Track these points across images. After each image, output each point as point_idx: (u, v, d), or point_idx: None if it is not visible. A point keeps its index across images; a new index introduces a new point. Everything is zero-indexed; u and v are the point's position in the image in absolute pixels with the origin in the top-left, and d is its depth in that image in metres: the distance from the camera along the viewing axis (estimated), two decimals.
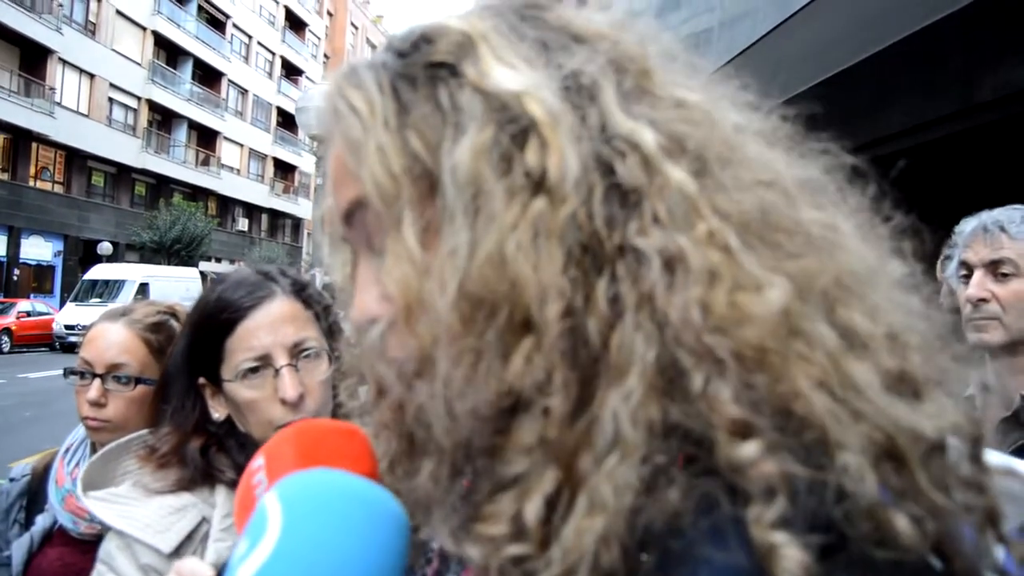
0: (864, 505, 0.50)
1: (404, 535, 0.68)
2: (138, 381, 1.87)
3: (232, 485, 1.37)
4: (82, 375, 1.87)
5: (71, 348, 25.60)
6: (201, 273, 34.58)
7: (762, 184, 0.62)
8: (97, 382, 1.84)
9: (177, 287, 28.98)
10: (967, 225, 2.04)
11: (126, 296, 27.15)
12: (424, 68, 0.64)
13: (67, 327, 25.96)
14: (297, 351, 1.40)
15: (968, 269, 2.01)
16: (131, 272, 29.42)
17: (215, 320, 1.40)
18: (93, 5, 35.28)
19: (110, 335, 1.89)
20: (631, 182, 0.59)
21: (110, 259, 32.68)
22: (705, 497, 0.51)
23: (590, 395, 0.57)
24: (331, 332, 1.48)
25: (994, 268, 1.96)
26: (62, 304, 29.43)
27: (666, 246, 0.57)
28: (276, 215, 53.78)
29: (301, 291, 1.47)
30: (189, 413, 1.44)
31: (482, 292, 0.57)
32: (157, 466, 1.39)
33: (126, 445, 1.55)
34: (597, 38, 0.66)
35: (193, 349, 1.45)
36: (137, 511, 1.33)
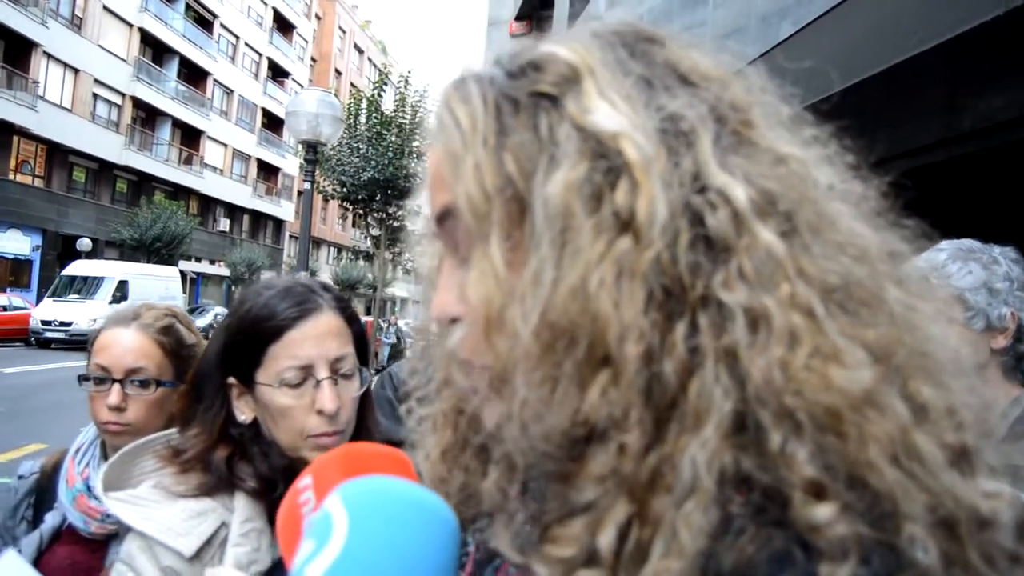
0: (926, 574, 0.53)
1: (457, 538, 0.72)
2: (157, 383, 1.92)
3: (252, 493, 1.40)
4: (100, 381, 1.90)
5: (47, 344, 25.32)
6: (181, 272, 34.32)
7: (848, 254, 0.61)
8: (116, 387, 1.88)
9: (156, 285, 28.79)
10: None
11: (104, 293, 26.94)
12: (528, 95, 0.65)
13: (44, 322, 25.69)
14: (337, 366, 1.43)
15: None
16: (110, 269, 29.11)
17: (261, 325, 1.42)
18: (80, 0, 35.02)
19: (125, 340, 1.93)
20: (720, 235, 0.59)
21: (89, 255, 32.36)
22: (780, 551, 0.53)
23: (663, 435, 0.58)
24: (361, 352, 1.53)
25: None
26: (39, 299, 29.07)
27: (751, 304, 0.58)
28: (258, 216, 53.36)
29: (344, 309, 1.50)
30: (217, 413, 1.47)
31: (563, 322, 0.59)
32: (180, 470, 1.42)
33: (143, 446, 1.58)
34: (704, 81, 0.67)
35: (231, 350, 1.47)
36: (159, 513, 1.36)
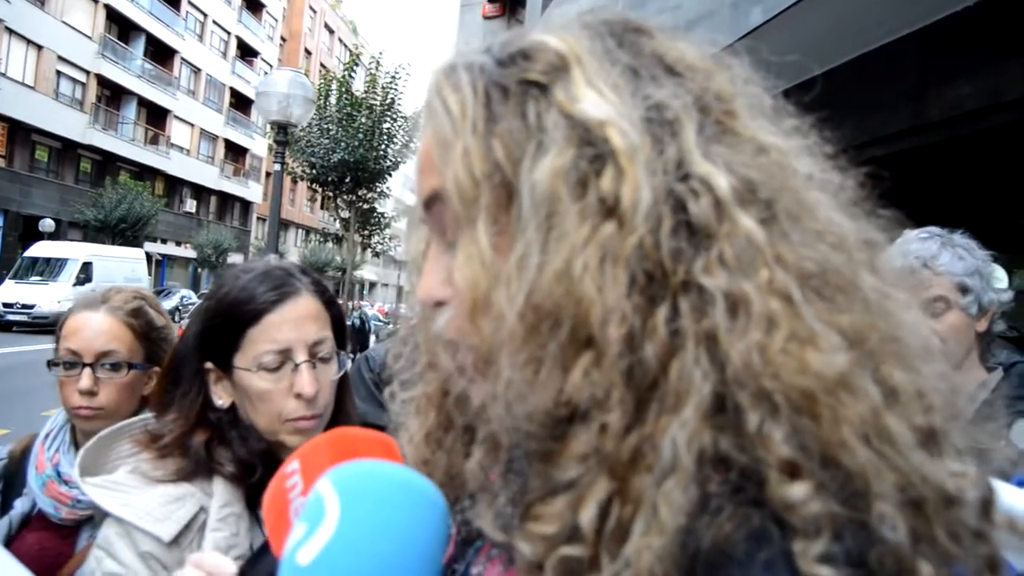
0: (894, 551, 0.55)
1: (446, 519, 0.73)
2: (129, 366, 1.91)
3: (230, 478, 1.40)
4: (70, 366, 1.88)
5: (9, 327, 24.85)
6: (146, 254, 33.88)
7: (826, 242, 0.64)
8: (88, 371, 1.86)
9: (122, 267, 28.42)
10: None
11: (68, 275, 26.52)
12: (518, 83, 0.67)
13: (5, 305, 25.27)
14: (315, 349, 1.44)
15: None
16: (74, 250, 28.60)
17: (239, 309, 1.42)
18: None
19: (95, 324, 1.91)
20: (701, 222, 0.61)
21: (52, 236, 31.72)
22: (757, 529, 0.55)
23: (644, 415, 0.59)
24: (339, 335, 1.53)
25: (927, 306, 2.01)
26: (0, 281, 28.59)
27: (731, 289, 0.59)
28: (225, 197, 52.75)
29: (323, 292, 1.50)
30: (194, 398, 1.46)
31: (548, 305, 0.60)
32: (158, 455, 1.41)
33: (120, 431, 1.57)
34: (689, 72, 0.68)
35: (209, 334, 1.46)
36: (137, 499, 1.35)
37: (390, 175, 25.41)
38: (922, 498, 0.58)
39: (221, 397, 1.47)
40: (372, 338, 20.04)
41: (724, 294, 0.60)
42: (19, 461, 2.03)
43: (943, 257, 2.05)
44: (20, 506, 1.92)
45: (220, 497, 1.39)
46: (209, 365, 1.47)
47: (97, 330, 1.90)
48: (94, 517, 1.76)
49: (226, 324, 1.44)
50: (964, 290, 2.04)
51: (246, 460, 1.41)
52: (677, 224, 0.61)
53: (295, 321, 1.43)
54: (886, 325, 0.63)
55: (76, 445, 1.94)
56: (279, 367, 1.41)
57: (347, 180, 24.43)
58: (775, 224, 0.63)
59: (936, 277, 2.04)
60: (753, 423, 0.58)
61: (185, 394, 1.47)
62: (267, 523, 0.89)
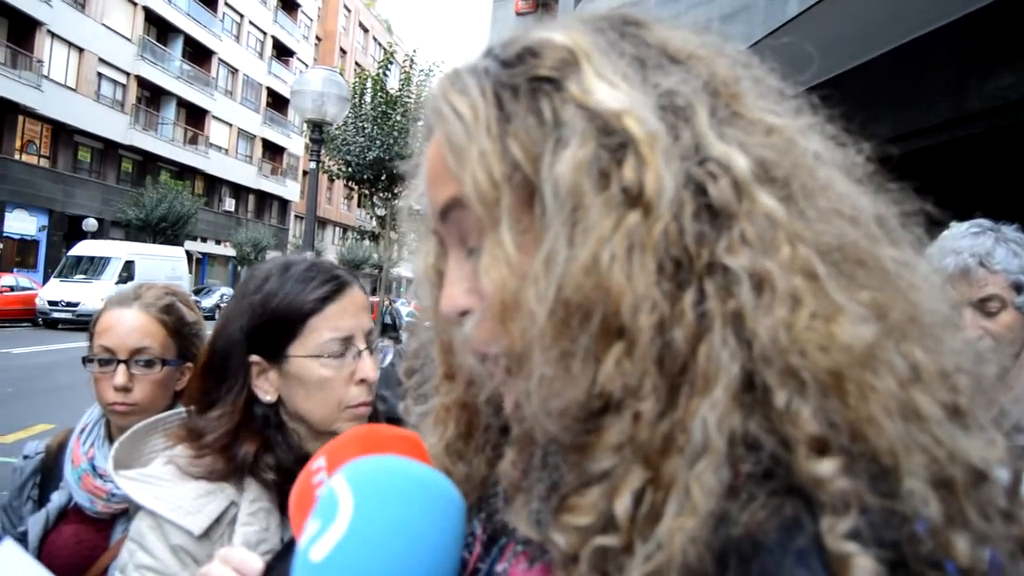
0: (926, 528, 0.54)
1: (463, 518, 0.72)
2: (163, 363, 1.94)
3: (271, 485, 1.41)
4: (104, 362, 1.91)
5: (54, 324, 25.39)
6: (187, 252, 34.36)
7: (843, 216, 0.64)
8: (122, 367, 1.89)
9: (163, 266, 28.84)
10: (941, 258, 2.02)
11: (111, 273, 26.95)
12: (528, 80, 0.66)
13: (51, 303, 25.73)
14: (370, 338, 1.49)
15: None
16: (117, 249, 29.06)
17: (300, 298, 1.44)
18: None
19: (128, 320, 1.93)
20: (722, 203, 0.61)
21: (95, 235, 32.33)
22: (790, 519, 0.55)
23: (675, 401, 0.59)
24: None
25: (981, 305, 1.98)
26: (46, 279, 29.11)
27: (754, 267, 0.59)
28: (263, 196, 53.33)
29: (362, 286, 1.54)
30: (239, 393, 1.47)
31: (577, 299, 0.60)
32: (197, 454, 1.41)
33: (154, 425, 1.59)
34: (692, 60, 0.68)
35: (263, 327, 1.46)
36: (169, 492, 1.36)
37: None
38: (952, 473, 0.58)
39: (268, 392, 1.47)
40: (404, 336, 20.13)
41: (748, 273, 0.60)
42: (56, 455, 2.07)
43: (998, 254, 1.99)
44: (57, 499, 1.95)
45: (251, 492, 1.40)
46: (255, 358, 1.47)
47: (130, 327, 1.93)
48: (129, 510, 1.79)
49: (285, 315, 1.45)
50: (1019, 288, 1.98)
51: (291, 468, 1.40)
52: (698, 208, 0.61)
53: (355, 310, 1.48)
54: (906, 299, 0.63)
55: (111, 440, 1.97)
56: (342, 354, 1.45)
57: (383, 178, 24.51)
58: (792, 202, 0.63)
59: (991, 275, 1.98)
60: (781, 400, 0.58)
61: (230, 389, 1.48)
62: (292, 519, 0.89)
